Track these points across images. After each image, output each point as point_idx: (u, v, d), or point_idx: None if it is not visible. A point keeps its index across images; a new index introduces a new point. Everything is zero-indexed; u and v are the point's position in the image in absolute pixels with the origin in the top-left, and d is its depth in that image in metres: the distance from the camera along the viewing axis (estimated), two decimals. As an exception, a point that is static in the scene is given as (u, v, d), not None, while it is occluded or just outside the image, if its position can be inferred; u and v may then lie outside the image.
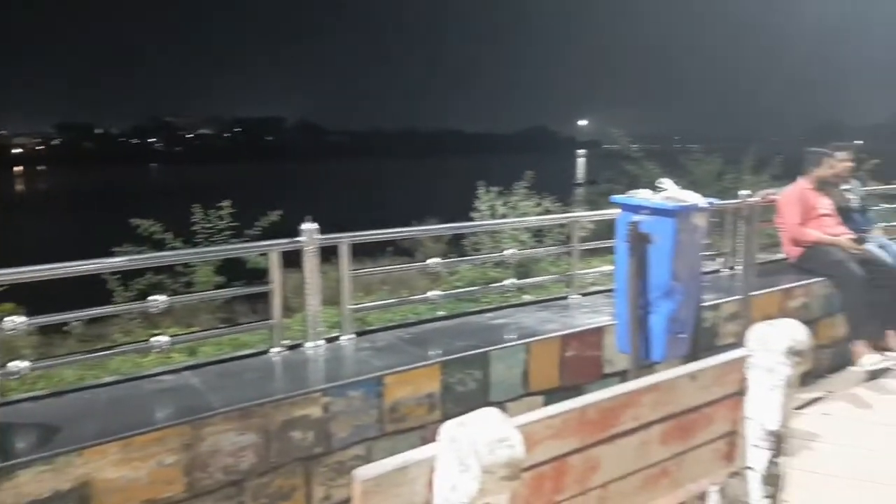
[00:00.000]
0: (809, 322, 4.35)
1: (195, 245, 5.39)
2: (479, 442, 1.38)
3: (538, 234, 6.89)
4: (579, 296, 3.98)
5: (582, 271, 4.17)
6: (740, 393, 2.10)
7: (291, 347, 3.08)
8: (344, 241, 3.10)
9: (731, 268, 4.67)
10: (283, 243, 3.04)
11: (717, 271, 4.79)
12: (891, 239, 5.30)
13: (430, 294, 3.47)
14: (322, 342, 3.12)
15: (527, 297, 4.68)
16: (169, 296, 3.06)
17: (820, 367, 4.47)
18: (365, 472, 1.38)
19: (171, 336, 3.03)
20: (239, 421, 2.39)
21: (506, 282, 3.87)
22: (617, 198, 3.09)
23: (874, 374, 4.28)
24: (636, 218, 2.92)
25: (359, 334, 3.24)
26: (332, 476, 2.56)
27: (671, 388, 1.94)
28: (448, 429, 1.43)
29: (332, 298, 3.39)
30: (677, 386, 1.96)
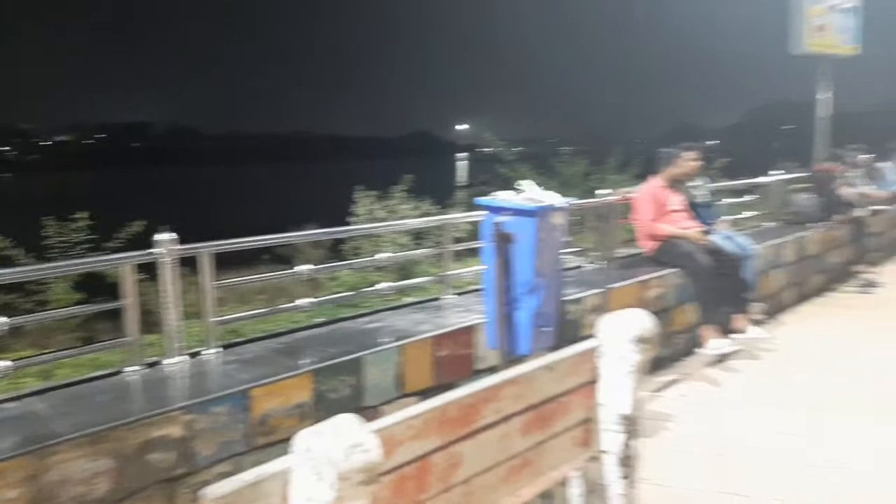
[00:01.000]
0: (665, 310, 4.69)
1: (49, 260, 5.00)
2: (333, 449, 1.37)
3: (418, 237, 6.96)
4: (454, 296, 4.05)
5: (455, 271, 4.25)
6: (594, 381, 2.22)
7: (151, 365, 2.92)
8: (204, 251, 2.96)
9: (594, 263, 4.92)
10: (137, 255, 2.86)
11: (580, 267, 5.04)
12: (735, 230, 5.80)
13: (299, 302, 3.41)
14: (185, 357, 2.98)
15: (409, 300, 4.73)
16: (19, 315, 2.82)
17: (676, 352, 4.81)
18: (213, 490, 1.33)
19: (15, 360, 2.79)
20: (90, 447, 2.23)
21: (379, 285, 3.87)
22: (481, 200, 3.17)
23: (721, 357, 4.66)
24: (499, 219, 3.02)
25: (226, 347, 3.11)
26: (195, 497, 2.45)
27: (530, 380, 2.02)
28: (302, 438, 1.41)
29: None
30: (535, 378, 2.04)
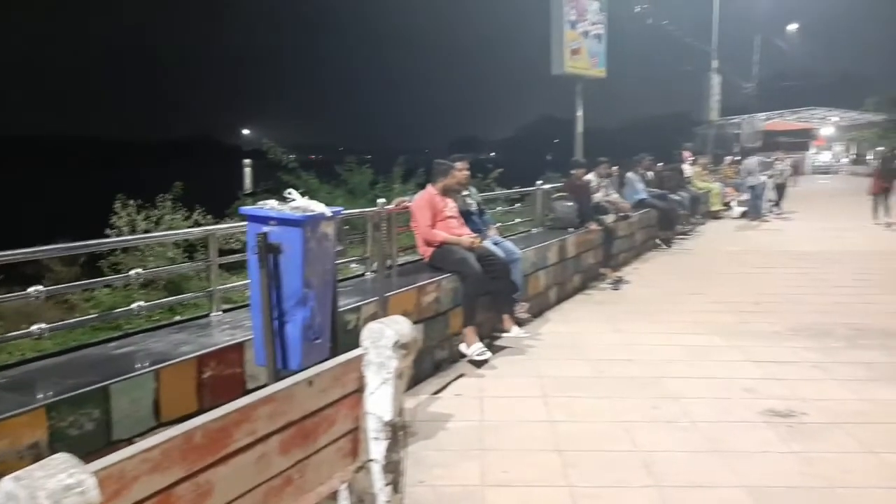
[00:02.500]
0: (441, 314, 4.86)
1: None
2: (40, 495, 1.20)
3: (191, 250, 6.51)
4: (222, 312, 3.83)
5: (225, 286, 4.02)
6: (360, 390, 2.21)
7: None
8: None
9: (374, 271, 4.95)
10: None
11: (361, 275, 5.06)
12: (503, 236, 6.21)
13: (33, 328, 2.97)
14: None
15: (180, 318, 4.38)
16: None
17: (454, 353, 5.01)
18: None
19: None
20: None
21: (133, 305, 3.51)
22: (245, 209, 3.03)
23: (489, 356, 4.94)
24: (265, 229, 2.90)
25: (-67, 386, 2.63)
26: None
27: (288, 396, 1.95)
28: (3, 485, 1.22)
29: None
30: (295, 394, 1.97)
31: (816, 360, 4.96)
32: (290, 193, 3.09)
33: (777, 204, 16.05)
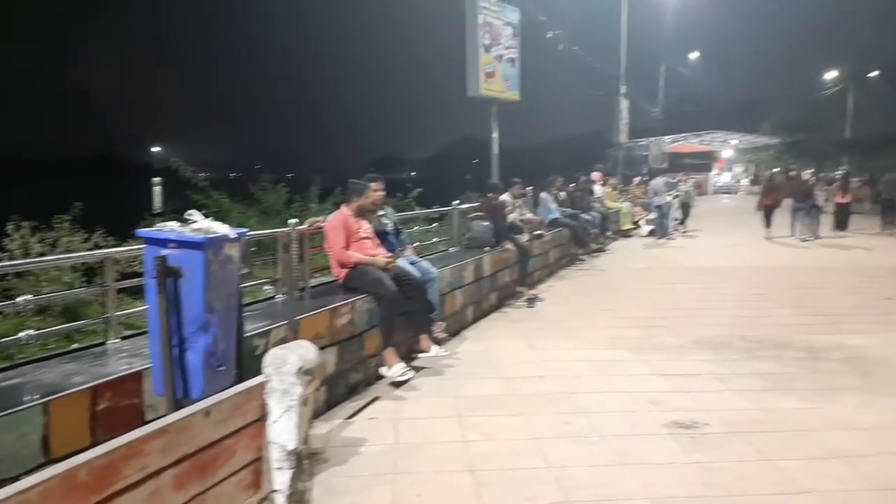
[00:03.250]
0: (356, 336, 4.79)
1: None
2: None
3: (91, 273, 6.17)
4: (119, 340, 3.64)
5: (124, 312, 3.83)
6: (262, 419, 2.14)
7: None
8: None
9: (286, 293, 4.84)
10: None
11: (272, 298, 4.93)
12: (419, 256, 6.22)
13: None
14: None
15: (76, 345, 4.13)
16: None
17: (369, 375, 4.95)
18: None
19: None
20: None
21: (21, 334, 3.29)
22: (142, 231, 2.90)
23: (407, 377, 4.91)
24: (164, 252, 2.79)
25: None
26: None
27: (183, 428, 1.86)
28: None
29: None
30: (190, 425, 1.89)
31: (717, 371, 5.20)
32: (191, 215, 2.99)
33: (682, 222, 16.85)
